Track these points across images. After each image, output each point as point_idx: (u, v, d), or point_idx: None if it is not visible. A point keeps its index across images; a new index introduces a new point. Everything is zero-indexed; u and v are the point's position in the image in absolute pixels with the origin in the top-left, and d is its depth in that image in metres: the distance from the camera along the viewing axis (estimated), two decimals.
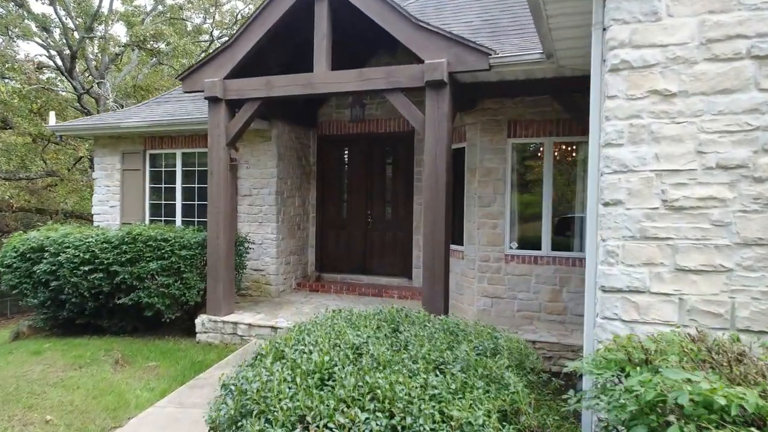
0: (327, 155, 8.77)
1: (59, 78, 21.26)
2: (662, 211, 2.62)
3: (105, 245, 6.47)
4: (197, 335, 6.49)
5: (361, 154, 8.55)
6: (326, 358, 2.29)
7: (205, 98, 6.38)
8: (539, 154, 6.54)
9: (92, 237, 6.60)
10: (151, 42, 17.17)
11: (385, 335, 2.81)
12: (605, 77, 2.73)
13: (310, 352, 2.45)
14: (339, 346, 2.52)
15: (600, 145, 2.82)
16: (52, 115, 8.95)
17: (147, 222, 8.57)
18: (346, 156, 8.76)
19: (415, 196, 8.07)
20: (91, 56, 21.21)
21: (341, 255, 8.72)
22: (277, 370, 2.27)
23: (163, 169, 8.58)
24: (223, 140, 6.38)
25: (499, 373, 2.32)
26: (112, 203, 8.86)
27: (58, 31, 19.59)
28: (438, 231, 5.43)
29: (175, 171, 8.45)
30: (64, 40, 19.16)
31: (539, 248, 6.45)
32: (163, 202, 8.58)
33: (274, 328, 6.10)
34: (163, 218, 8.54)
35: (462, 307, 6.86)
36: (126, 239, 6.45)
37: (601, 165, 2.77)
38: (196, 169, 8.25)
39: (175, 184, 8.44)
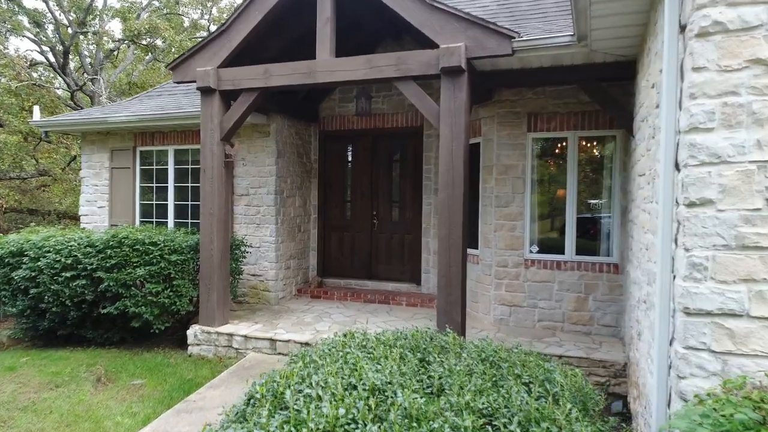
0: (329, 152, 8.20)
1: (52, 75, 20.66)
2: (766, 213, 2.05)
3: (88, 249, 5.90)
4: (189, 347, 5.91)
5: (366, 152, 7.98)
6: (341, 411, 1.72)
7: (198, 89, 5.80)
8: (562, 150, 5.96)
9: (75, 240, 6.02)
10: (146, 37, 16.54)
11: (413, 371, 2.23)
12: (690, 45, 2.15)
13: (320, 399, 1.88)
14: (356, 389, 1.95)
15: (679, 130, 2.24)
16: (36, 110, 8.36)
17: (137, 224, 8.00)
18: (349, 153, 8.18)
19: (425, 195, 7.50)
20: (86, 53, 20.61)
21: (345, 259, 8.14)
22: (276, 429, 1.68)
23: (154, 167, 8.00)
24: (217, 135, 5.80)
25: (568, 428, 1.74)
26: (100, 204, 8.28)
27: (51, 27, 19.03)
28: (455, 234, 4.86)
29: (167, 169, 7.87)
30: (57, 36, 18.55)
31: (562, 252, 5.89)
32: (155, 202, 8.00)
33: (272, 341, 5.52)
34: (154, 219, 7.97)
35: (477, 316, 6.29)
36: (111, 243, 5.87)
37: (682, 155, 2.20)
38: (190, 167, 7.67)
39: (167, 183, 7.86)
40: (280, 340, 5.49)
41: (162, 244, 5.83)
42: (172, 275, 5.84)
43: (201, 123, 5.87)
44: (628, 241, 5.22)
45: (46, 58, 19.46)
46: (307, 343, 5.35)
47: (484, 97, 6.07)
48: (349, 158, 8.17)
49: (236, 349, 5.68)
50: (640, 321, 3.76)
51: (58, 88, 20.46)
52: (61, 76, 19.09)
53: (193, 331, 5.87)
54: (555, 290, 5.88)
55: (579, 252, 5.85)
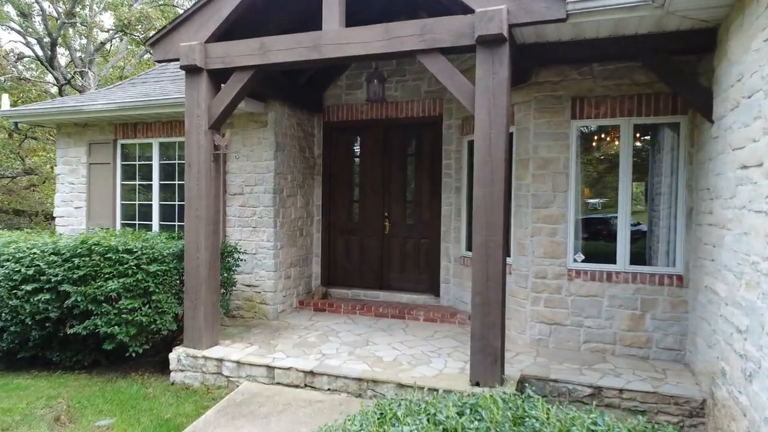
0: (335, 146, 7.31)
1: (40, 70, 19.79)
2: None
3: (53, 258, 5.01)
4: (172, 374, 5.01)
5: (377, 145, 7.09)
6: None
7: (182, 68, 4.92)
8: (613, 140, 5.08)
9: (38, 248, 5.13)
10: (138, 27, 15.66)
11: None
12: None
13: None
14: None
15: None
16: (4, 98, 7.46)
17: (118, 226, 7.11)
18: (358, 147, 7.29)
19: (444, 195, 6.61)
20: (77, 47, 19.74)
21: (353, 267, 7.25)
22: None
23: (137, 162, 7.11)
24: (204, 122, 4.91)
25: None
26: (77, 204, 7.39)
27: (38, 18, 18.15)
28: (494, 241, 3.97)
29: (151, 165, 6.98)
30: (44, 27, 17.67)
31: (613, 261, 5.00)
32: (138, 202, 7.11)
33: (270, 368, 4.63)
34: (137, 222, 7.08)
35: (509, 335, 5.40)
36: (79, 251, 4.98)
37: None
38: (177, 162, 6.79)
39: (151, 180, 6.97)
40: (279, 368, 4.59)
41: (139, 252, 4.94)
42: (151, 289, 4.94)
43: (186, 108, 4.98)
44: (699, 249, 4.33)
45: (33, 51, 18.58)
46: (311, 372, 4.45)
47: (519, 79, 5.17)
48: (358, 152, 7.28)
49: (227, 377, 4.79)
50: (747, 356, 2.87)
51: (49, 83, 19.58)
52: (48, 70, 18.22)
53: (177, 355, 4.98)
54: (604, 306, 4.98)
55: (634, 261, 4.96)
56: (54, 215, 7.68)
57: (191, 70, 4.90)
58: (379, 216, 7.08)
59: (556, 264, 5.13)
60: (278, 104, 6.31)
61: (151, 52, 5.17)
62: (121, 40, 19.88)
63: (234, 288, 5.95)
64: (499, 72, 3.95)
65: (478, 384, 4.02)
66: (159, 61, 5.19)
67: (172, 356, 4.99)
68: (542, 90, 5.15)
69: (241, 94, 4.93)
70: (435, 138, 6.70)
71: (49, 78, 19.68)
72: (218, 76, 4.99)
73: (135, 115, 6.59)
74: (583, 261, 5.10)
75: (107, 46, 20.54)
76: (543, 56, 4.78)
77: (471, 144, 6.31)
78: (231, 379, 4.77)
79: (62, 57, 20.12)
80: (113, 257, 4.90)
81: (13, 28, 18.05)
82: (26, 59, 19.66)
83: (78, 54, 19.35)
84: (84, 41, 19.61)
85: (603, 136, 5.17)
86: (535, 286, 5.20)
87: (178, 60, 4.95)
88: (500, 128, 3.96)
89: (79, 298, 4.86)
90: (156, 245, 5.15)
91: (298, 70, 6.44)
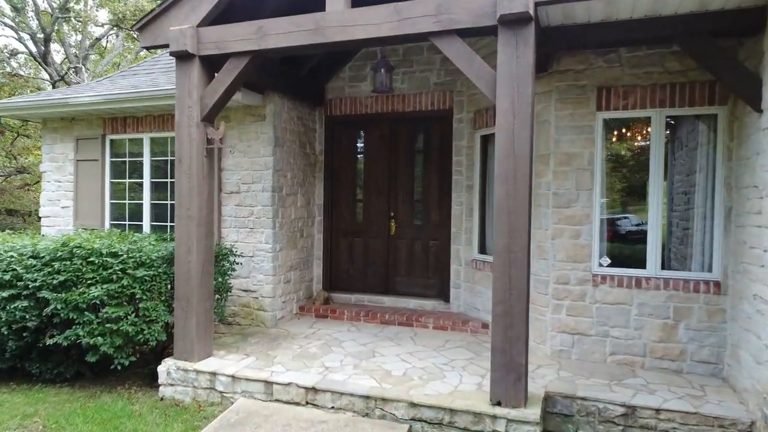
0: (338, 141, 6.90)
1: (34, 67, 19.36)
2: None
3: (32, 262, 4.60)
4: (160, 388, 4.60)
5: (382, 140, 6.69)
6: None
7: (172, 54, 4.50)
8: (642, 134, 4.67)
9: (16, 251, 4.73)
10: (133, 21, 15.22)
11: None
12: None
13: None
14: None
15: None
16: None
17: (107, 227, 6.70)
18: (362, 142, 6.89)
19: (454, 193, 6.20)
20: (71, 43, 19.34)
21: (356, 270, 6.85)
22: None
23: (127, 159, 6.70)
24: (197, 113, 4.50)
25: None
26: (63, 203, 6.98)
27: (31, 13, 17.73)
28: (517, 244, 3.56)
29: (142, 161, 6.57)
30: (38, 22, 17.25)
31: (643, 266, 4.59)
32: (128, 201, 6.70)
33: (268, 383, 4.21)
34: (127, 222, 6.67)
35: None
36: (60, 254, 4.57)
37: None
38: (169, 158, 6.38)
39: (142, 178, 6.56)
40: (278, 383, 4.18)
41: (125, 256, 4.53)
42: (137, 295, 4.53)
43: (176, 98, 4.57)
44: (742, 253, 3.92)
45: (26, 47, 18.16)
46: (313, 388, 4.04)
47: (540, 68, 4.75)
48: (362, 148, 6.88)
49: (221, 392, 4.38)
50: None
51: (43, 80, 19.16)
52: (42, 66, 17.80)
53: (166, 368, 4.57)
54: (633, 315, 4.58)
55: (666, 266, 4.56)
56: (39, 215, 7.27)
57: (182, 57, 4.49)
58: (384, 216, 6.68)
59: (579, 269, 4.72)
60: (277, 97, 5.90)
61: (138, 37, 4.76)
62: (117, 36, 19.47)
63: (229, 293, 5.54)
64: (524, 56, 3.54)
65: (499, 404, 3.61)
66: (147, 48, 4.78)
67: (161, 369, 4.58)
68: (564, 79, 4.74)
69: (237, 83, 4.52)
70: (444, 133, 6.30)
71: (44, 75, 19.27)
72: (212, 64, 4.58)
73: (124, 108, 6.18)
74: (609, 265, 4.69)
75: (103, 42, 20.14)
76: (567, 41, 4.38)
77: (484, 139, 5.92)
78: (225, 395, 4.36)
79: (57, 54, 19.72)
80: (96, 261, 4.49)
81: (6, 24, 17.62)
82: (21, 56, 19.25)
83: (73, 50, 18.95)
84: (79, 37, 19.21)
85: (631, 129, 4.76)
86: (557, 293, 4.79)
87: (167, 46, 4.55)
88: (524, 118, 3.55)
89: (59, 306, 4.45)
90: (144, 248, 4.74)
91: (298, 61, 6.04)
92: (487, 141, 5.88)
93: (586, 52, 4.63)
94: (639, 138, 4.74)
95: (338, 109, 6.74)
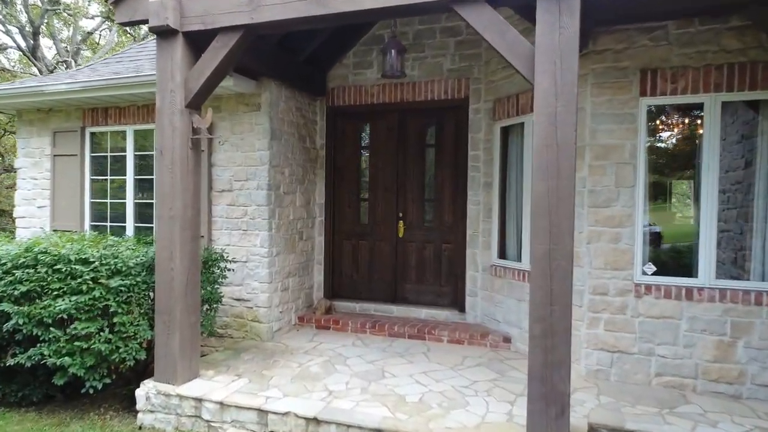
0: (341, 135, 6.32)
1: (24, 61, 18.75)
2: None
3: None
4: (139, 415, 4.02)
5: (390, 133, 6.11)
6: None
7: (151, 30, 3.92)
8: (695, 122, 4.10)
9: None
10: None
11: None
12: None
13: None
14: None
15: None
16: None
17: (87, 228, 6.11)
18: (367, 136, 6.31)
19: (470, 192, 5.62)
20: (62, 38, 18.73)
21: (361, 276, 6.27)
22: None
23: (109, 154, 6.11)
24: (180, 99, 3.92)
25: None
26: (40, 203, 6.39)
27: (20, 7, 17.12)
28: (560, 251, 2.99)
29: (125, 156, 5.98)
30: (26, 15, 16.64)
31: (693, 274, 4.01)
32: (110, 201, 6.11)
33: (262, 412, 3.63)
34: (109, 223, 6.09)
35: None
36: (23, 260, 3.99)
37: None
38: (155, 153, 5.77)
39: (125, 175, 5.97)
40: (273, 412, 3.59)
41: (97, 263, 3.95)
42: (112, 308, 3.95)
43: (157, 82, 3.99)
44: None
45: (15, 41, 17.54)
46: (315, 419, 3.46)
47: None
48: (368, 142, 6.30)
49: (207, 421, 3.79)
50: None
51: (32, 75, 18.55)
52: (31, 61, 17.20)
53: (145, 392, 3.98)
54: (682, 331, 4.00)
55: (721, 274, 3.98)
56: (13, 216, 6.69)
57: (163, 34, 3.91)
58: (392, 217, 6.10)
59: (619, 277, 4.14)
60: (274, 84, 5.32)
61: (114, 12, 4.17)
62: (111, 30, 18.87)
63: (220, 303, 4.95)
64: (569, 26, 2.96)
65: None
66: (123, 24, 4.20)
67: (140, 393, 4.00)
68: (602, 60, 4.16)
69: (227, 65, 3.94)
70: (459, 125, 5.72)
71: (34, 70, 18.67)
72: (197, 41, 3.99)
73: (105, 97, 5.60)
74: (654, 273, 4.11)
75: (96, 37, 19.55)
76: (607, 15, 3.81)
77: (504, 131, 5.34)
78: (213, 424, 3.77)
79: (48, 50, 19.11)
80: (64, 269, 3.90)
81: None
82: (14, 53, 18.65)
83: (63, 45, 18.35)
84: (70, 32, 18.62)
85: (680, 117, 4.19)
86: (593, 305, 4.21)
87: (146, 22, 3.95)
88: (569, 100, 2.98)
89: (21, 321, 3.87)
90: (120, 253, 4.16)
91: (297, 43, 5.46)
92: (508, 133, 5.30)
93: (627, 28, 4.06)
94: (689, 127, 4.17)
95: (341, 99, 6.15)
